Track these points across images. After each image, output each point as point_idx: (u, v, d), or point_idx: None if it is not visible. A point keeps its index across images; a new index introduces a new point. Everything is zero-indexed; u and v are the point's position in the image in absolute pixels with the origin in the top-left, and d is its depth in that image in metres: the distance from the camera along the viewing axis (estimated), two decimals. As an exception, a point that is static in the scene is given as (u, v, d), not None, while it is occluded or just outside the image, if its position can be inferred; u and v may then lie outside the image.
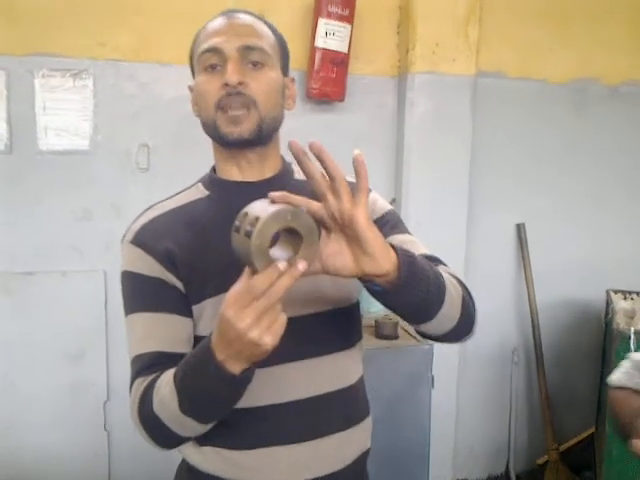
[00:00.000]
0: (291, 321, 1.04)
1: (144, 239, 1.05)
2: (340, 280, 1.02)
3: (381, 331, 2.37)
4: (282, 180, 1.09)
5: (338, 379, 1.10)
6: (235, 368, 0.85)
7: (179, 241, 1.04)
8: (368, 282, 0.88)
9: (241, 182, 1.09)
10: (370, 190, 1.12)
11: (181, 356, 0.97)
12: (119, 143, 2.50)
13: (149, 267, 1.04)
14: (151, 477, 2.63)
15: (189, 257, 1.04)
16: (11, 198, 2.43)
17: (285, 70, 1.10)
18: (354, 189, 0.81)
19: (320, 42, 2.48)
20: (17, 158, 2.41)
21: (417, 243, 1.09)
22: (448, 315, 0.96)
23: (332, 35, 2.47)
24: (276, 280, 0.78)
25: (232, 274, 0.92)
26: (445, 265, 1.06)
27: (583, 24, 2.89)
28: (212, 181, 1.13)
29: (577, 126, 2.96)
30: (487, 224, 2.89)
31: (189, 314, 1.04)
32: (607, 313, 2.73)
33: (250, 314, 0.79)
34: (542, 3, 2.84)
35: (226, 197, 1.09)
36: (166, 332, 1.02)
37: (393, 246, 0.86)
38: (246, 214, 0.81)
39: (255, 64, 1.02)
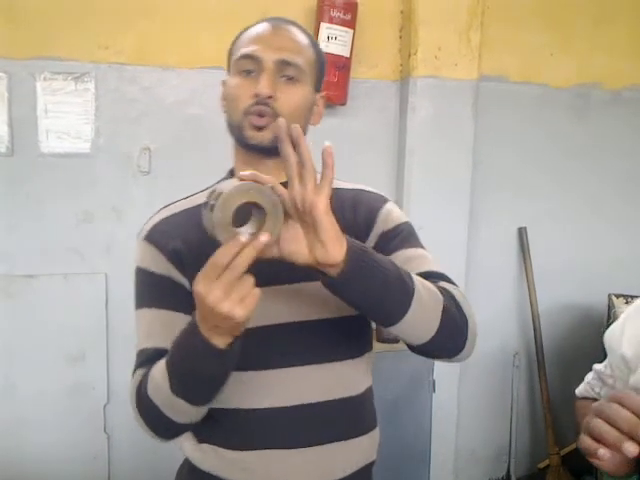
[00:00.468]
0: (298, 325, 1.05)
1: (156, 237, 1.09)
2: None
3: (382, 335, 2.37)
4: None
5: (342, 388, 1.09)
6: (219, 342, 0.86)
7: (189, 241, 1.07)
8: (321, 274, 0.88)
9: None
10: (387, 200, 1.15)
11: None
12: (121, 146, 2.51)
13: (158, 264, 1.07)
14: (151, 479, 2.63)
15: (198, 257, 1.03)
16: (12, 201, 2.43)
17: (318, 86, 1.12)
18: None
19: (322, 46, 2.47)
20: (19, 161, 2.42)
21: (427, 258, 1.08)
22: (421, 321, 0.94)
23: (334, 39, 2.47)
24: (239, 252, 0.80)
25: None
26: (452, 283, 1.03)
27: (585, 29, 2.89)
28: None
29: (579, 131, 2.96)
30: (489, 228, 2.89)
31: (188, 307, 1.05)
32: (609, 317, 2.72)
33: (218, 287, 0.80)
34: (544, 8, 2.84)
35: None
36: (169, 329, 1.03)
37: (347, 239, 0.87)
38: (214, 191, 0.84)
39: (289, 78, 1.05)
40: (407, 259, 1.04)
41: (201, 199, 1.11)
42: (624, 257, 3.03)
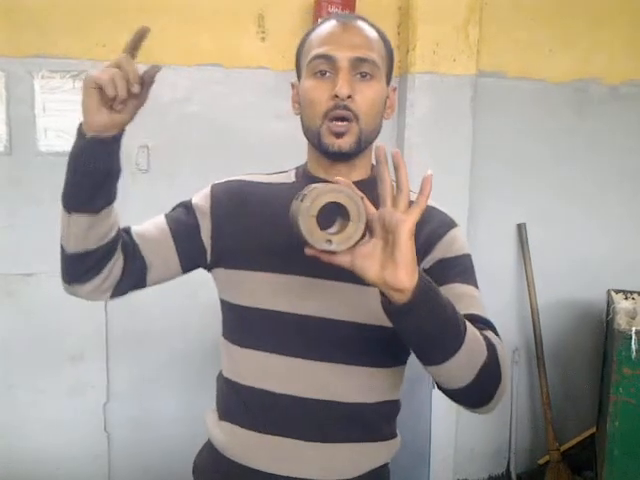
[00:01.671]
0: (334, 323, 1.06)
1: (220, 188, 1.17)
2: None
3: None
4: (367, 186, 1.01)
5: (354, 393, 1.09)
6: (89, 127, 0.95)
7: (242, 207, 1.13)
8: (382, 295, 0.87)
9: (327, 179, 1.11)
10: (455, 225, 1.14)
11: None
12: (119, 144, 2.50)
13: (202, 202, 1.15)
14: (151, 479, 2.63)
15: (236, 225, 1.12)
16: (11, 199, 2.42)
17: (389, 79, 1.14)
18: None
19: (320, 43, 2.48)
20: (17, 159, 2.41)
21: (477, 300, 1.06)
22: (459, 369, 0.92)
23: (332, 36, 2.46)
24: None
25: (282, 256, 1.05)
26: (496, 332, 1.01)
27: (583, 24, 2.89)
28: (304, 173, 1.17)
29: (578, 126, 2.96)
30: (488, 224, 2.88)
31: (183, 254, 1.13)
32: (608, 313, 2.72)
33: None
34: (542, 3, 2.84)
35: None
36: (149, 227, 1.12)
37: (419, 271, 0.85)
38: (308, 185, 0.87)
39: (364, 75, 1.05)
40: (458, 296, 1.02)
41: (277, 179, 1.19)
42: (623, 253, 3.03)
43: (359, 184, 0.92)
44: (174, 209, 1.17)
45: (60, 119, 2.42)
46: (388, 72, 1.13)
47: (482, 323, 1.01)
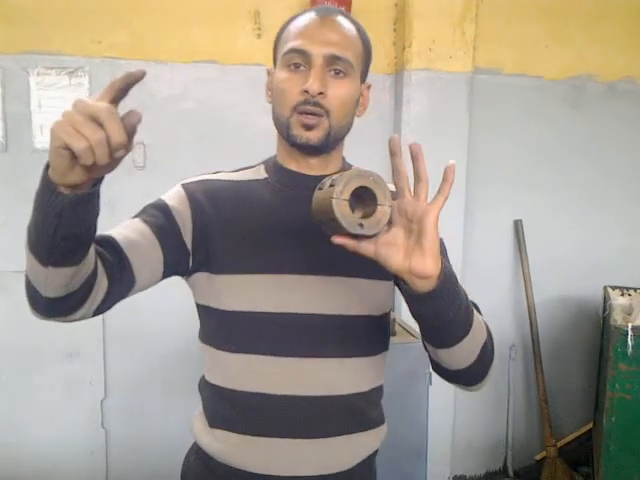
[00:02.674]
0: (318, 318, 1.06)
1: (193, 188, 1.10)
2: (378, 287, 1.08)
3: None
4: None
5: (351, 384, 1.10)
6: (58, 179, 0.76)
7: (220, 209, 1.08)
8: (406, 284, 0.88)
9: (300, 173, 1.11)
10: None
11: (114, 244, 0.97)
12: (115, 141, 2.50)
13: (179, 207, 1.07)
14: (149, 475, 2.63)
15: (217, 227, 1.07)
16: (6, 197, 2.42)
17: (364, 76, 1.12)
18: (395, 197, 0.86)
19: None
20: (12, 156, 2.41)
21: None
22: (467, 351, 0.95)
23: (328, 32, 2.46)
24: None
25: (269, 255, 1.03)
26: (480, 313, 1.03)
27: (579, 21, 2.89)
28: (274, 167, 1.15)
29: (574, 123, 2.96)
30: (484, 221, 2.89)
31: (168, 261, 1.04)
32: (604, 309, 2.73)
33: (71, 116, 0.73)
34: (538, 0, 2.84)
35: (284, 183, 1.11)
36: (134, 236, 1.00)
37: (442, 259, 0.87)
38: (337, 175, 0.85)
39: (338, 72, 1.04)
40: None
41: (247, 175, 1.14)
42: (619, 249, 3.04)
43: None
44: (146, 212, 1.07)
45: (56, 116, 2.41)
46: (364, 70, 1.11)
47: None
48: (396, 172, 0.87)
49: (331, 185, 0.83)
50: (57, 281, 0.86)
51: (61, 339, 2.51)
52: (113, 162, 0.74)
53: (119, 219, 1.07)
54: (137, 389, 2.62)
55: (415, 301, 0.89)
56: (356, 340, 1.09)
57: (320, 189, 0.87)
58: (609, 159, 3.01)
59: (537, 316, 2.93)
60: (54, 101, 2.41)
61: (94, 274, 0.91)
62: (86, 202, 0.79)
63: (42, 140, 2.42)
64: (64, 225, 0.79)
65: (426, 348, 1.02)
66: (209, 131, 2.58)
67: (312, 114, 1.02)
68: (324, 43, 1.03)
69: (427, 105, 2.65)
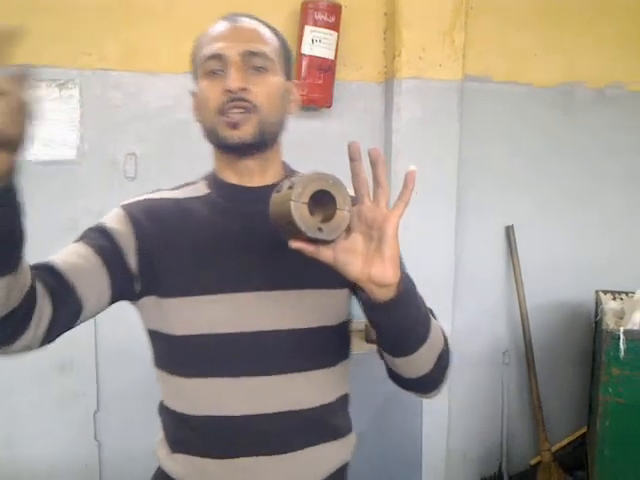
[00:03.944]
0: (273, 334, 1.03)
1: (134, 209, 1.08)
2: (331, 297, 1.05)
3: (371, 335, 2.37)
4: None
5: (313, 396, 1.07)
6: None
7: (162, 228, 1.05)
8: (363, 292, 0.87)
9: (242, 186, 1.09)
10: None
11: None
12: (106, 152, 2.49)
13: (120, 227, 1.05)
14: (143, 487, 2.62)
15: (162, 248, 1.04)
16: None
17: (288, 74, 1.10)
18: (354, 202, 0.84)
19: (307, 49, 2.48)
20: (4, 169, 2.40)
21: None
22: (425, 359, 0.94)
23: (319, 42, 2.47)
24: None
25: (215, 275, 0.99)
26: (435, 318, 1.02)
27: (568, 28, 2.91)
28: (215, 182, 1.13)
29: (564, 128, 2.98)
30: (476, 227, 2.90)
31: (114, 285, 1.01)
32: (596, 314, 2.74)
33: None
34: (527, 8, 2.86)
35: (227, 199, 1.09)
36: (76, 260, 0.97)
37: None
38: (292, 177, 0.84)
39: (258, 69, 1.02)
40: None
41: (188, 193, 1.12)
42: (611, 254, 3.05)
43: (275, 187, 0.88)
44: (86, 235, 1.04)
45: (46, 128, 2.41)
46: (286, 67, 1.09)
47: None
48: (356, 178, 0.85)
49: (290, 187, 0.81)
50: None
51: (53, 351, 2.48)
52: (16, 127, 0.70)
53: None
54: (130, 401, 2.60)
55: (373, 309, 0.87)
56: (313, 352, 1.06)
57: (278, 192, 0.84)
58: (599, 164, 3.03)
59: (530, 321, 2.93)
60: (45, 113, 2.41)
61: (33, 290, 0.86)
62: (10, 197, 0.75)
63: (33, 152, 2.41)
64: None
65: (382, 356, 1.00)
66: (200, 142, 2.57)
67: (237, 107, 1.00)
68: (238, 42, 1.01)
69: (417, 113, 2.66)
